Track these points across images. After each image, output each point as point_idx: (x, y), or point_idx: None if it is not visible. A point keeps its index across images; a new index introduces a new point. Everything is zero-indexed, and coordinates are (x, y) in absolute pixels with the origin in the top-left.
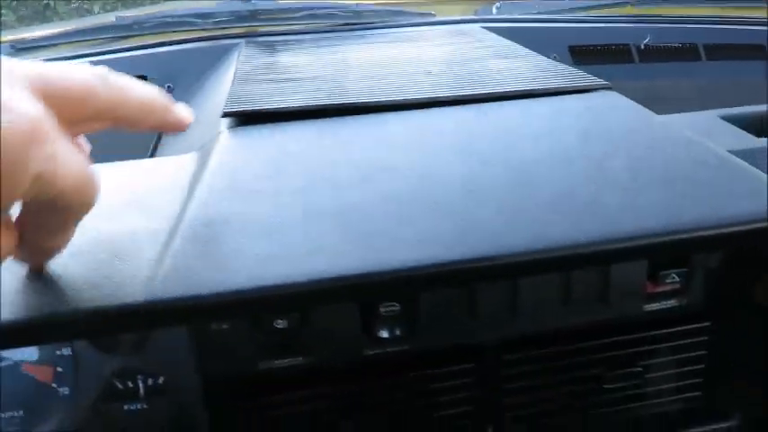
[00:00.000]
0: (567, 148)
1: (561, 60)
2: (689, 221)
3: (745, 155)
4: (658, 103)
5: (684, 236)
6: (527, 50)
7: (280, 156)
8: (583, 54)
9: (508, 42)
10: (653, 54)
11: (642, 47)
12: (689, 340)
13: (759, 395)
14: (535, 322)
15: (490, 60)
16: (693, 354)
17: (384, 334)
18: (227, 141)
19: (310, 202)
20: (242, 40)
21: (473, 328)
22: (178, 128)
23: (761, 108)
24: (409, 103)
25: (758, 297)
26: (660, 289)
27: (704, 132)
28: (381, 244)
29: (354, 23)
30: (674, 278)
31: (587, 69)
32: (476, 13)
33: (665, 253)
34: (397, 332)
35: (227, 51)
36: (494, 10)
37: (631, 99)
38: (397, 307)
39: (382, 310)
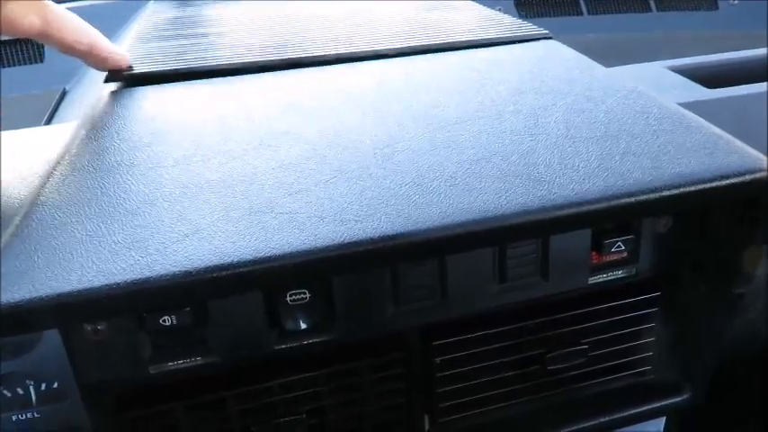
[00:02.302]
0: (499, 103)
1: (506, 12)
2: (631, 184)
3: (695, 107)
4: (606, 57)
5: (627, 200)
6: (469, 2)
7: (162, 122)
8: (529, 5)
9: None
10: (602, 5)
11: None
12: (639, 312)
13: (711, 367)
14: (468, 303)
15: (428, 12)
16: (644, 326)
17: (294, 326)
18: (106, 108)
19: (191, 174)
20: None
21: (398, 314)
22: (108, 64)
23: (711, 58)
24: (325, 60)
25: (745, 266)
26: (606, 259)
27: (652, 84)
28: (271, 222)
29: None
30: (620, 247)
31: (533, 22)
32: None
33: (605, 221)
34: (310, 323)
35: (137, 7)
36: None
37: (582, 51)
38: (306, 295)
39: (289, 298)
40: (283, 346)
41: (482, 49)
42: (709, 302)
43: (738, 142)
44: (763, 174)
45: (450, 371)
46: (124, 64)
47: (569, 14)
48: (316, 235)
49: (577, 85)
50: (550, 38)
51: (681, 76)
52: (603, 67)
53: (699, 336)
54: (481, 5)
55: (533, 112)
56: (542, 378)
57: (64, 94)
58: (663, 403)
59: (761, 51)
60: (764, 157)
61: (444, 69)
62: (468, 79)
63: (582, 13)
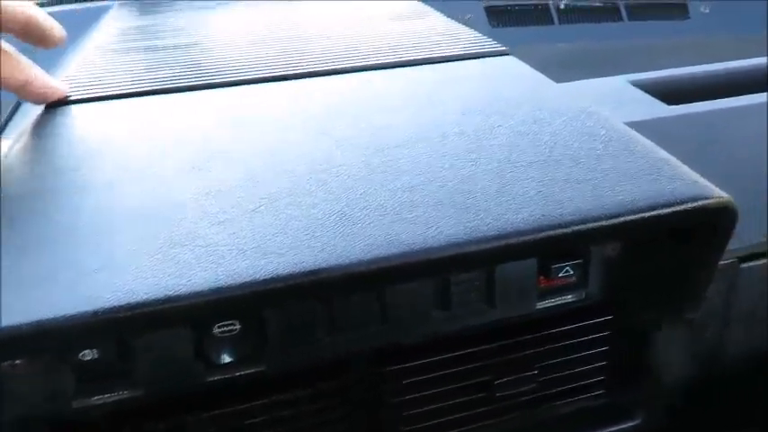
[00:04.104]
0: (444, 124)
1: (477, 21)
2: (569, 213)
3: (653, 125)
4: (577, 67)
5: (562, 231)
6: (431, 10)
7: (94, 144)
8: (500, 15)
9: (414, 2)
10: (573, 14)
11: (561, 6)
12: (589, 337)
13: (666, 391)
14: (410, 331)
15: (388, 23)
16: (595, 351)
17: (224, 358)
18: (38, 128)
19: (114, 201)
20: (114, 2)
21: (336, 342)
22: (44, 98)
23: (674, 72)
24: (274, 77)
25: (695, 291)
26: (554, 284)
27: (611, 100)
28: (188, 257)
29: None
30: (568, 271)
31: (505, 31)
32: None
33: (539, 252)
34: (240, 354)
35: (98, 15)
36: None
37: (550, 62)
38: (236, 326)
39: (217, 330)
40: (214, 378)
41: (436, 65)
42: (658, 327)
43: (685, 168)
44: (707, 201)
45: (396, 398)
46: (61, 96)
47: (541, 24)
48: (233, 270)
49: (527, 105)
50: (508, 54)
51: (641, 92)
52: (558, 85)
53: (652, 360)
54: (444, 17)
55: (478, 135)
56: (492, 404)
57: (18, 106)
58: (616, 428)
59: (726, 65)
60: (708, 184)
61: (395, 87)
62: (416, 98)
63: (553, 23)
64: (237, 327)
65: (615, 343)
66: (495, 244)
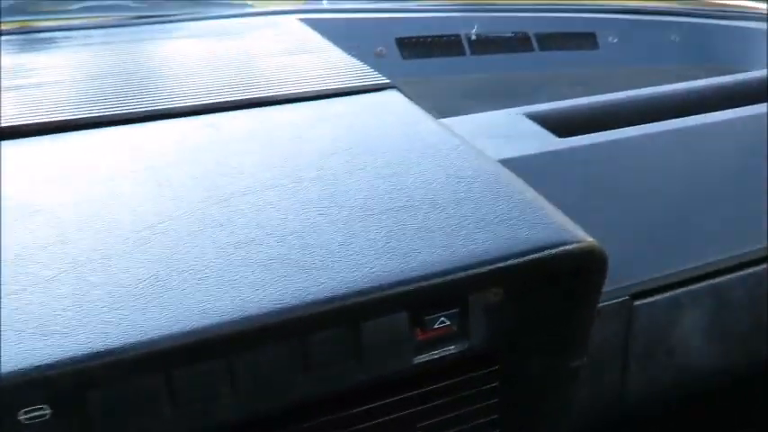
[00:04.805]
0: (303, 168)
1: (389, 53)
2: (412, 268)
3: (540, 159)
4: (483, 98)
5: (403, 288)
6: (328, 45)
7: None
8: (411, 46)
9: (312, 36)
10: (484, 45)
11: (472, 37)
12: (477, 389)
13: None
14: (268, 399)
15: (274, 58)
16: (485, 403)
17: None
18: None
19: None
20: None
21: (180, 416)
22: None
23: (570, 103)
24: (122, 118)
25: (576, 338)
26: (432, 335)
27: (502, 133)
28: None
29: (150, 16)
30: (444, 322)
31: (417, 63)
32: (306, 4)
33: (375, 313)
34: None
35: None
36: (324, 1)
37: (458, 93)
38: (47, 411)
39: (23, 417)
40: None
41: (313, 102)
42: (547, 375)
43: (551, 210)
44: (568, 247)
45: None
46: None
47: (453, 55)
48: (10, 355)
49: (397, 143)
50: (393, 87)
51: (534, 124)
52: (436, 121)
53: (544, 409)
54: (339, 51)
55: (336, 179)
56: None
57: None
58: None
59: (624, 94)
60: (572, 228)
61: (260, 127)
62: (281, 138)
63: (465, 54)
64: (48, 412)
65: (506, 394)
66: (325, 308)
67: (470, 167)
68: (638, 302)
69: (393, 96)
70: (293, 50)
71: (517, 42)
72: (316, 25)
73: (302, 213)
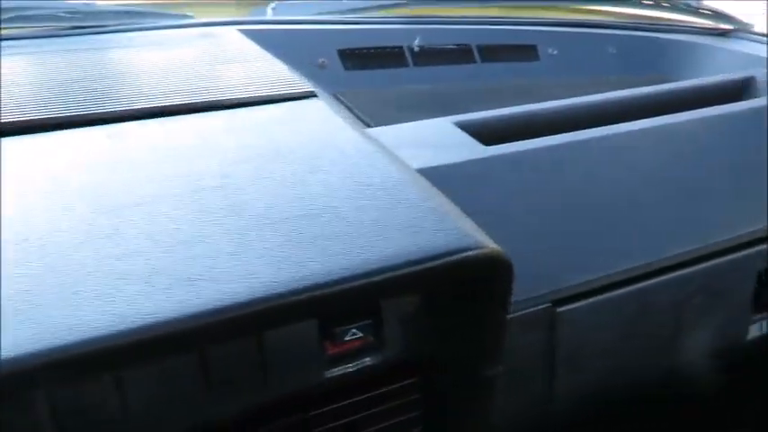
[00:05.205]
0: (206, 177)
1: (331, 65)
2: (301, 278)
3: (464, 167)
4: (420, 109)
5: (291, 299)
6: (262, 54)
7: None
8: (353, 58)
9: (248, 47)
10: (427, 57)
11: (415, 49)
12: (396, 402)
13: None
14: (165, 422)
15: (204, 67)
16: (406, 417)
17: None
18: None
19: None
20: None
21: None
22: None
23: (499, 113)
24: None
25: (488, 348)
26: (344, 348)
27: (428, 142)
28: None
29: (85, 27)
30: (355, 333)
31: (359, 74)
32: (250, 14)
33: (262, 326)
34: None
35: None
36: (268, 11)
37: (403, 104)
38: None
39: None
40: None
41: (228, 110)
42: (466, 385)
43: (455, 217)
44: (469, 254)
45: None
46: None
47: (396, 66)
48: None
49: (308, 151)
50: (314, 96)
51: (462, 133)
52: (356, 130)
53: (467, 419)
54: (272, 59)
55: (239, 188)
56: None
57: None
58: None
59: (550, 104)
60: (476, 236)
61: (167, 136)
62: (187, 147)
63: (408, 65)
64: None
65: (428, 406)
66: (204, 321)
67: (380, 176)
68: (560, 309)
69: (314, 105)
70: (222, 60)
71: (460, 54)
72: (256, 37)
73: (196, 223)
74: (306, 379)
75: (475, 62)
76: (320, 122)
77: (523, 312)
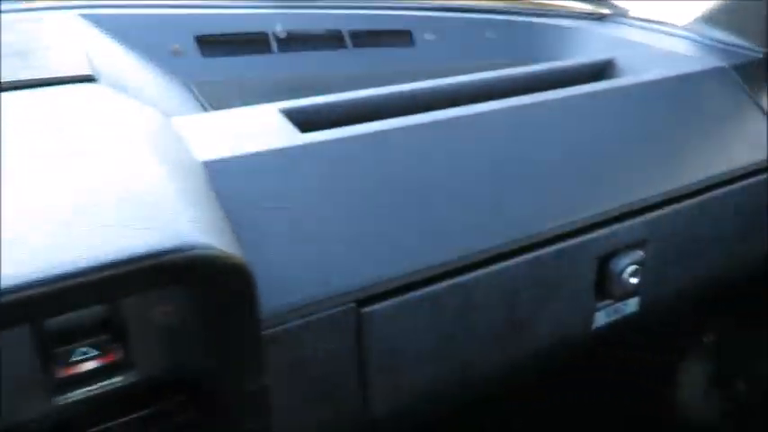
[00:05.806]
0: None
1: (187, 52)
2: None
3: (276, 155)
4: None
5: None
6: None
7: None
8: (212, 44)
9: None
10: (293, 43)
11: (280, 35)
12: (169, 423)
13: None
14: None
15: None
16: None
17: None
18: None
19: None
20: None
21: None
22: None
23: (330, 99)
24: None
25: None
26: (78, 370)
27: (247, 130)
28: None
29: None
30: (86, 353)
31: (219, 61)
32: None
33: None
34: None
35: None
36: None
37: (265, 93)
38: None
39: None
40: None
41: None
42: (235, 402)
43: (177, 213)
44: (179, 255)
45: None
46: None
47: (258, 53)
48: None
49: (56, 142)
50: (94, 80)
51: (283, 119)
52: (134, 117)
53: None
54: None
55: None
56: None
57: None
58: None
59: (386, 89)
60: (203, 239)
61: None
62: None
63: (272, 51)
64: None
65: (208, 426)
66: None
67: (128, 169)
68: (365, 309)
69: (98, 90)
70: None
71: (329, 40)
72: (101, 21)
73: None
74: (33, 409)
75: (346, 48)
76: (84, 110)
77: (325, 314)
